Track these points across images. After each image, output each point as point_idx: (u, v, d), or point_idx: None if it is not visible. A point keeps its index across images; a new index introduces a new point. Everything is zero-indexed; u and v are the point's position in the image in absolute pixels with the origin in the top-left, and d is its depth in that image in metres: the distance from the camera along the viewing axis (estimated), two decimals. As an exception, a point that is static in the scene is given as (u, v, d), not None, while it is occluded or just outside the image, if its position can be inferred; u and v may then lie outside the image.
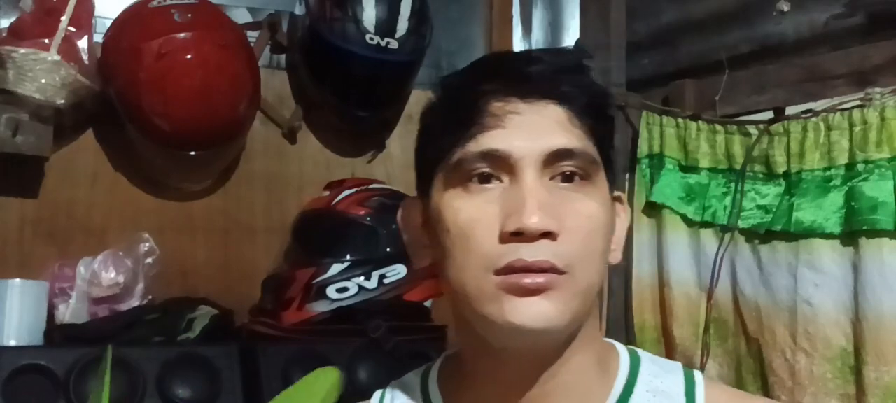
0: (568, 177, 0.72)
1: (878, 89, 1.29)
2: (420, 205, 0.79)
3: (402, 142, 1.95)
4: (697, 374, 0.81)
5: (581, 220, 0.71)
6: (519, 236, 0.69)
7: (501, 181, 0.72)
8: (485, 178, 0.72)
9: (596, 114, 0.75)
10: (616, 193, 0.79)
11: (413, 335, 1.57)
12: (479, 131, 0.72)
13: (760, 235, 1.41)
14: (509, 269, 0.69)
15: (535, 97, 0.73)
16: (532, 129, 0.72)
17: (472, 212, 0.72)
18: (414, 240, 0.81)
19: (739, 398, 0.86)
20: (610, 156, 0.77)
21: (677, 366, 0.82)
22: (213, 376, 1.45)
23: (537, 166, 0.71)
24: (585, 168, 0.73)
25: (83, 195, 1.73)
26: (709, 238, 1.50)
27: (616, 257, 0.78)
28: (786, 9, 1.48)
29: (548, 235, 0.69)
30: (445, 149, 0.74)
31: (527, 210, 0.69)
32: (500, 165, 0.72)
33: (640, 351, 0.82)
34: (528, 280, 0.69)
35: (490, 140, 0.72)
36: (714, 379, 0.82)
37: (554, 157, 0.71)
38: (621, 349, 0.82)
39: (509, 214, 0.70)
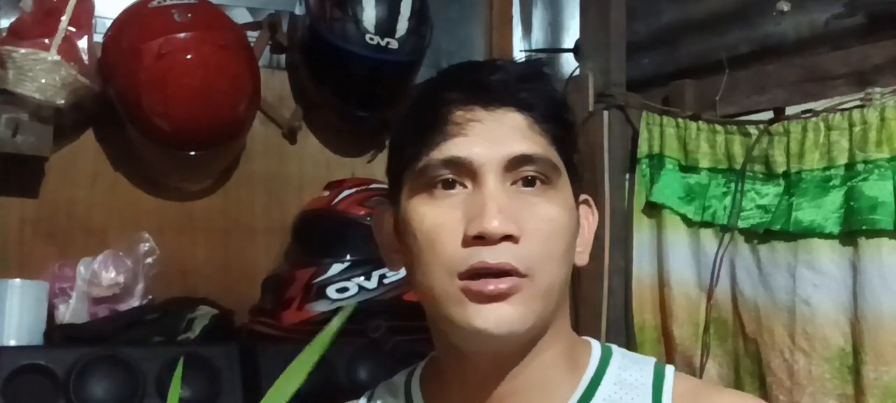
0: (529, 182, 0.75)
1: (878, 89, 1.29)
2: (391, 212, 0.82)
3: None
4: (669, 368, 0.83)
5: (541, 223, 0.74)
6: (481, 240, 0.71)
7: (465, 187, 0.74)
8: (449, 185, 0.75)
9: (556, 120, 0.78)
10: (583, 197, 0.82)
11: (413, 335, 1.57)
12: (442, 139, 0.75)
13: (760, 235, 1.41)
14: (472, 272, 0.72)
15: (496, 105, 0.75)
16: (493, 136, 0.74)
17: (437, 218, 0.74)
18: (386, 246, 0.84)
19: (706, 390, 0.86)
20: (573, 160, 0.80)
21: (649, 360, 0.84)
22: (213, 376, 1.45)
23: (498, 172, 0.73)
24: (546, 172, 0.75)
25: (83, 195, 1.73)
26: (708, 238, 1.50)
27: (582, 259, 0.80)
28: (786, 9, 1.48)
29: (509, 238, 0.72)
30: (411, 157, 0.76)
31: (487, 214, 0.71)
32: (463, 172, 0.74)
33: (614, 347, 0.85)
34: (492, 286, 0.71)
35: (452, 147, 0.74)
36: (683, 374, 0.84)
37: (514, 163, 0.74)
38: (595, 345, 0.84)
39: (471, 219, 0.72)
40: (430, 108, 0.77)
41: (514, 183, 0.74)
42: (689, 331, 1.52)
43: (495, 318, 0.71)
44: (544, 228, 0.74)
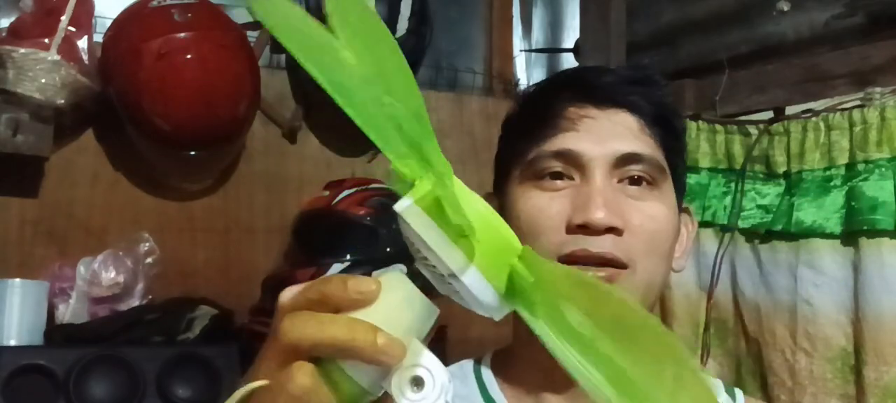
0: (635, 181, 0.77)
1: (878, 89, 1.29)
2: (495, 201, 0.84)
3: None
4: (738, 391, 0.85)
5: (645, 220, 0.76)
6: (585, 229, 0.73)
7: (573, 179, 0.77)
8: (557, 176, 0.77)
9: (665, 125, 0.80)
10: (684, 205, 0.84)
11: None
12: (554, 133, 0.77)
13: (760, 235, 1.41)
14: (572, 257, 0.73)
15: (608, 105, 0.78)
16: (603, 134, 0.77)
17: (543, 204, 0.76)
18: None
19: None
20: (678, 168, 0.81)
21: (718, 382, 0.86)
22: (213, 376, 1.45)
23: (606, 167, 0.76)
24: (652, 173, 0.77)
25: (83, 195, 1.73)
26: (709, 238, 1.50)
27: (681, 264, 0.82)
28: (786, 9, 1.48)
29: (612, 231, 0.74)
30: (523, 149, 0.79)
31: (593, 205, 0.73)
32: (572, 164, 0.77)
33: None
34: (590, 273, 0.73)
35: (564, 141, 0.77)
36: (754, 398, 0.87)
37: (622, 161, 0.76)
38: None
39: (577, 208, 0.74)
40: (543, 105, 0.80)
41: (620, 180, 0.76)
42: (690, 331, 1.52)
43: None
44: (648, 225, 0.76)
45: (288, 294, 0.49)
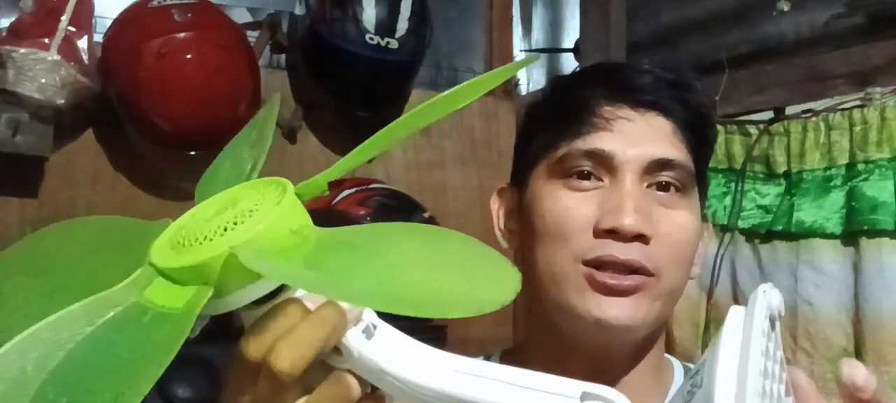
0: (664, 187, 0.75)
1: (878, 89, 1.29)
2: (513, 193, 0.82)
3: (402, 142, 1.95)
4: None
5: (673, 227, 0.74)
6: (613, 234, 0.71)
7: (601, 180, 0.74)
8: (585, 176, 0.75)
9: (698, 130, 0.78)
10: (701, 213, 0.82)
11: (413, 335, 1.57)
12: (587, 130, 0.75)
13: (761, 235, 1.41)
14: (598, 262, 0.72)
15: (645, 107, 0.76)
16: (639, 136, 0.75)
17: (570, 204, 0.74)
18: (502, 224, 0.84)
19: None
20: (704, 175, 0.80)
21: None
22: (213, 376, 1.45)
23: (638, 171, 0.74)
24: (682, 180, 0.75)
25: (83, 195, 1.73)
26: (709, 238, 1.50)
27: (696, 272, 0.80)
28: (786, 9, 1.48)
29: (640, 238, 0.72)
30: (551, 144, 0.77)
31: (624, 210, 0.71)
32: (603, 165, 0.74)
33: (691, 366, 0.85)
34: (614, 281, 0.71)
35: (597, 140, 0.75)
36: None
37: (656, 166, 0.74)
38: (675, 362, 0.86)
39: (606, 212, 0.72)
40: (575, 100, 0.77)
41: (649, 186, 0.75)
42: (689, 331, 1.52)
43: (616, 311, 0.71)
44: (676, 233, 0.74)
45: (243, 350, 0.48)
